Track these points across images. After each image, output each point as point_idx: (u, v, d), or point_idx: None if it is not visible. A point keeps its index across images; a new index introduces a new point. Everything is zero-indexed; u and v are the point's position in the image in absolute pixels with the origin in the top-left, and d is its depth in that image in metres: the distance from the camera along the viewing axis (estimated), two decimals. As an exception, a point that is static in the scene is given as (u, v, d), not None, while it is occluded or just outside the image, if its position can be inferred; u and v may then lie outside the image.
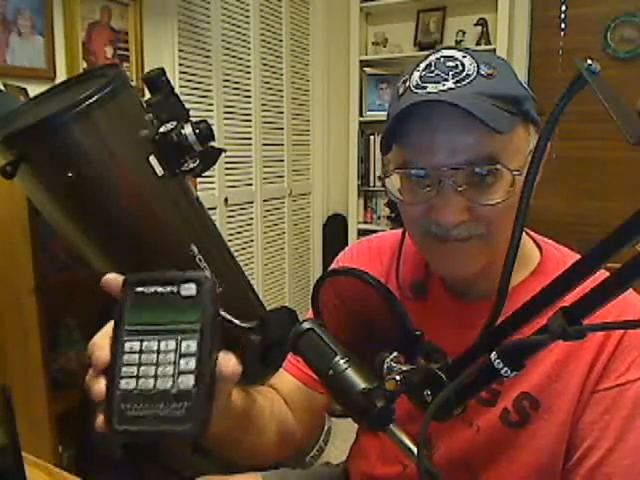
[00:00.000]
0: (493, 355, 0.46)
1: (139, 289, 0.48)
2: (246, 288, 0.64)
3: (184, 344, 0.46)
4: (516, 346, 0.45)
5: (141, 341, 0.46)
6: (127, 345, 0.46)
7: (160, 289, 0.48)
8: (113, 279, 0.49)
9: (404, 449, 0.51)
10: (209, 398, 0.46)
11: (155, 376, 0.45)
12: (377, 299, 0.55)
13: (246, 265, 2.80)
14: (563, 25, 2.85)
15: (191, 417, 0.45)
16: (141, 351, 0.46)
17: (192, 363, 0.46)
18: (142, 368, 0.46)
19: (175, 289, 0.48)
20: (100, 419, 0.45)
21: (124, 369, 0.45)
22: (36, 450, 0.98)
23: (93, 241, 0.54)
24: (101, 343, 0.47)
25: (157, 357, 0.46)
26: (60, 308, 1.57)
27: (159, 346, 0.46)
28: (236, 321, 0.57)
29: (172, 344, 0.46)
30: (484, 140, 0.63)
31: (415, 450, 0.50)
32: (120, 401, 0.45)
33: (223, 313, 0.53)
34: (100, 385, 0.46)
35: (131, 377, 0.45)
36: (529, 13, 2.87)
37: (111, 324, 0.48)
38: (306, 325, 0.56)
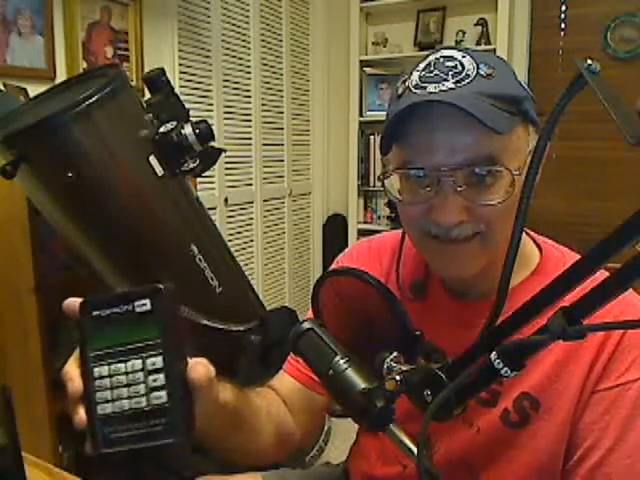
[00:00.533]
0: (493, 355, 0.46)
1: (95, 313, 0.48)
2: (246, 288, 0.64)
3: (149, 361, 0.47)
4: (516, 346, 0.45)
5: (108, 364, 0.47)
6: (96, 371, 0.47)
7: (116, 310, 0.48)
8: (72, 303, 0.49)
9: (404, 449, 0.51)
10: (186, 407, 0.47)
11: (128, 397, 0.46)
12: (377, 299, 0.55)
13: (246, 265, 2.80)
14: (563, 25, 2.85)
15: (171, 430, 0.46)
16: (110, 375, 0.47)
17: (161, 378, 0.46)
18: (115, 391, 0.46)
19: (130, 307, 0.48)
20: (87, 444, 0.47)
21: (98, 395, 0.46)
22: (36, 450, 0.98)
23: (93, 241, 0.54)
24: (72, 374, 0.48)
25: (126, 378, 0.47)
26: (60, 308, 1.57)
27: (126, 367, 0.47)
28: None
29: (138, 363, 0.47)
30: (483, 140, 0.63)
31: (415, 450, 0.50)
32: (101, 426, 0.46)
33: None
34: (80, 415, 0.47)
35: (106, 402, 0.46)
36: (529, 13, 2.86)
37: (77, 351, 0.49)
38: (306, 325, 0.56)
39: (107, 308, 0.48)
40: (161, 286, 0.48)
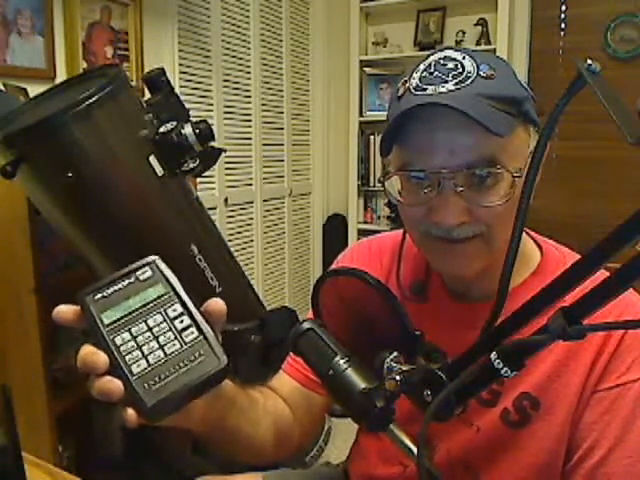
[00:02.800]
0: (493, 355, 0.46)
1: (98, 296, 0.49)
2: (246, 288, 0.64)
3: (169, 311, 0.49)
4: (516, 346, 0.45)
5: (129, 330, 0.48)
6: (117, 339, 0.47)
7: (118, 286, 0.49)
8: (66, 309, 0.49)
9: (404, 449, 0.51)
10: (216, 336, 0.49)
11: (161, 346, 0.47)
12: (377, 299, 0.55)
13: (246, 265, 2.80)
14: (563, 25, 2.85)
15: (213, 356, 0.47)
16: (134, 336, 0.47)
17: (186, 319, 0.48)
18: (145, 347, 0.47)
19: (132, 279, 0.50)
20: (130, 413, 0.45)
21: (128, 357, 0.47)
22: (36, 450, 0.98)
23: (93, 241, 0.54)
24: (91, 349, 0.47)
25: (152, 333, 0.48)
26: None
27: (148, 324, 0.48)
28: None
29: (159, 317, 0.48)
30: (484, 142, 0.63)
31: (415, 450, 0.50)
32: (141, 384, 0.46)
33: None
34: (114, 382, 0.45)
35: (139, 359, 0.46)
36: (529, 13, 2.86)
37: (88, 342, 0.49)
38: (306, 325, 0.56)
39: (109, 288, 0.49)
40: (154, 257, 0.50)
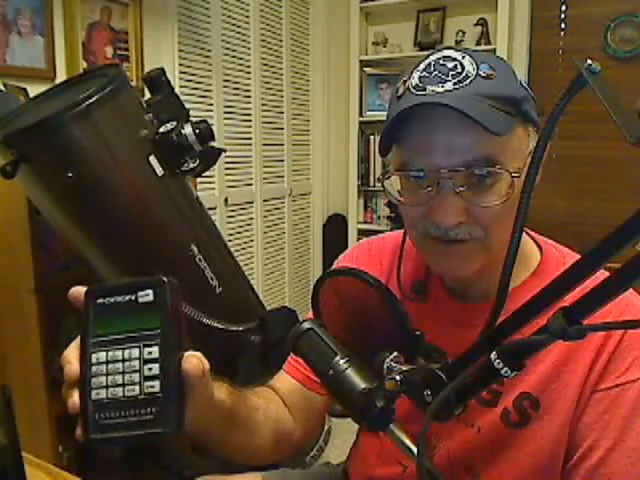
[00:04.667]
0: (493, 355, 0.46)
1: (100, 301, 0.49)
2: (246, 288, 0.64)
3: (146, 350, 0.48)
4: (516, 346, 0.45)
5: (107, 351, 0.48)
6: (94, 357, 0.47)
7: (119, 299, 0.49)
8: (77, 291, 0.49)
9: (404, 449, 0.51)
10: (179, 399, 0.48)
11: (123, 384, 0.47)
12: (377, 299, 0.55)
13: (246, 265, 2.80)
14: (563, 25, 2.85)
15: (161, 420, 0.46)
16: (107, 361, 0.47)
17: (156, 368, 0.47)
18: (110, 378, 0.47)
19: (133, 297, 0.49)
20: (78, 429, 0.47)
21: (94, 380, 0.47)
22: (36, 450, 0.98)
23: (93, 241, 0.54)
24: (70, 357, 0.48)
25: (122, 366, 0.47)
26: (60, 308, 1.57)
27: (123, 355, 0.48)
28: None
29: (135, 352, 0.48)
30: (482, 141, 0.63)
31: (415, 450, 0.50)
32: (93, 411, 0.46)
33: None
34: (74, 398, 0.47)
35: (101, 387, 0.47)
36: (529, 13, 2.86)
37: (78, 338, 0.49)
38: (306, 325, 0.56)
39: (111, 296, 0.49)
40: (165, 278, 0.49)
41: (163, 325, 0.48)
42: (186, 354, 0.49)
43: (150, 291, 0.49)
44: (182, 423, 0.48)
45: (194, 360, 0.49)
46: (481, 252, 0.68)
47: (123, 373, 0.47)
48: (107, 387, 0.47)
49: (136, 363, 0.47)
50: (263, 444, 0.77)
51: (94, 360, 0.47)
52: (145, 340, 0.48)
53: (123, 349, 0.48)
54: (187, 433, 0.58)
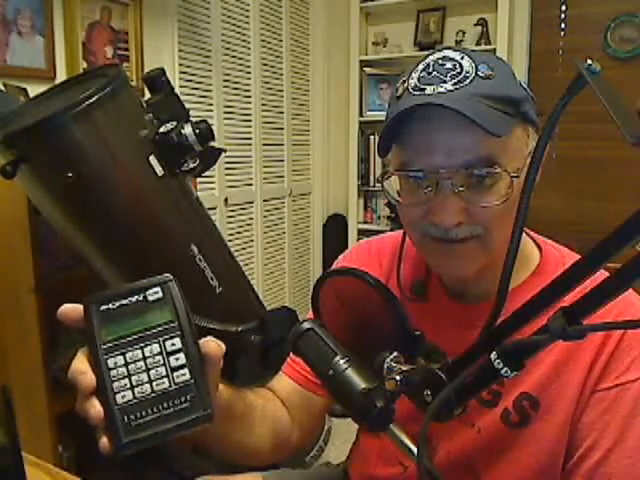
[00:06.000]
0: (493, 355, 0.46)
1: (104, 307, 0.48)
2: (246, 288, 0.64)
3: (168, 343, 0.47)
4: (516, 346, 0.45)
5: (124, 354, 0.47)
6: (110, 362, 0.46)
7: (126, 301, 0.48)
8: (72, 309, 0.48)
9: (404, 449, 0.51)
10: (207, 383, 0.48)
11: (150, 381, 0.46)
12: (377, 299, 0.55)
13: (246, 265, 2.80)
14: (563, 25, 2.85)
15: (198, 405, 0.46)
16: (127, 363, 0.46)
17: (181, 357, 0.47)
18: (134, 378, 0.46)
19: (141, 297, 0.48)
20: (103, 440, 0.45)
21: (115, 384, 0.46)
22: (36, 450, 0.98)
23: (93, 241, 0.54)
24: (81, 368, 0.47)
25: (145, 363, 0.47)
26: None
27: (144, 353, 0.47)
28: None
29: (156, 347, 0.47)
30: (481, 142, 0.63)
31: (415, 450, 0.50)
32: (121, 415, 0.45)
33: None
34: (96, 408, 0.45)
35: (125, 389, 0.46)
36: (529, 13, 2.86)
37: (83, 350, 0.48)
38: (306, 325, 0.56)
39: (116, 301, 0.48)
40: (169, 276, 0.49)
41: (179, 316, 0.48)
42: (202, 340, 0.49)
43: (158, 288, 0.49)
44: (215, 409, 0.47)
45: (213, 344, 0.49)
46: (481, 252, 0.68)
47: (147, 370, 0.46)
48: (132, 388, 0.46)
49: (159, 358, 0.47)
50: (261, 443, 0.77)
51: (111, 365, 0.46)
52: (164, 334, 0.48)
53: (142, 347, 0.47)
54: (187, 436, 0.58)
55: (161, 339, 0.47)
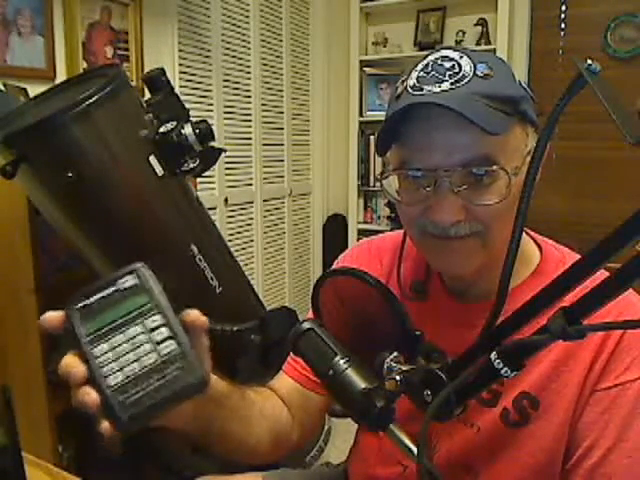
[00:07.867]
0: (493, 355, 0.46)
1: (81, 304, 0.49)
2: (246, 288, 0.64)
3: (148, 322, 0.49)
4: (516, 346, 0.45)
5: (107, 340, 0.48)
6: (95, 351, 0.48)
7: (101, 294, 0.49)
8: (54, 316, 0.49)
9: (404, 449, 0.51)
10: (196, 352, 0.48)
11: (137, 359, 0.47)
12: (377, 299, 0.55)
13: (246, 265, 2.80)
14: (563, 25, 2.85)
15: (189, 371, 0.47)
16: (113, 348, 0.48)
17: (165, 331, 0.48)
18: (122, 359, 0.47)
19: (116, 287, 0.50)
20: (104, 424, 0.46)
21: (104, 369, 0.47)
22: (36, 450, 0.98)
23: (93, 241, 0.54)
24: (71, 362, 0.48)
25: (129, 344, 0.48)
26: (60, 308, 1.57)
27: (126, 335, 0.48)
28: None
29: (139, 328, 0.48)
30: (480, 141, 0.63)
31: (415, 450, 0.50)
32: (116, 396, 0.46)
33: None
34: (91, 395, 0.46)
35: (114, 372, 0.47)
36: (529, 13, 2.86)
37: (72, 351, 0.49)
38: (306, 325, 0.56)
39: (92, 296, 0.49)
40: (139, 264, 0.50)
41: (155, 297, 0.49)
42: (182, 312, 0.50)
43: (130, 276, 0.50)
44: (208, 375, 0.48)
45: (193, 313, 0.50)
46: (481, 249, 0.68)
47: (133, 350, 0.47)
48: (122, 369, 0.47)
49: (142, 337, 0.48)
50: (261, 441, 0.77)
51: (97, 353, 0.47)
52: (143, 316, 0.49)
53: (124, 331, 0.48)
54: (184, 428, 0.58)
55: (141, 320, 0.49)
